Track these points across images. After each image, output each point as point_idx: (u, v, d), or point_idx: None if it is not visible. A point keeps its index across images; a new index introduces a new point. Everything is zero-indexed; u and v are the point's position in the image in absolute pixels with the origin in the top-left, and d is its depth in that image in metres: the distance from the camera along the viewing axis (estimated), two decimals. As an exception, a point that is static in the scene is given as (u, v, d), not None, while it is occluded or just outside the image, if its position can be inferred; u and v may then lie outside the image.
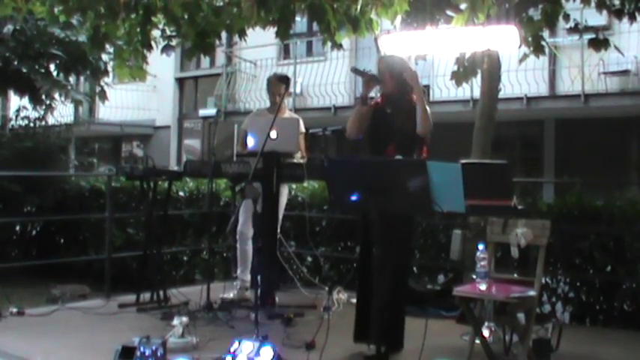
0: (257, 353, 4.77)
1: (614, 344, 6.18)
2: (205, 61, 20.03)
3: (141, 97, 20.58)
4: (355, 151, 5.62)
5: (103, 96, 13.46)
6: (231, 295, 7.22)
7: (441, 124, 13.92)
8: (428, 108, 5.39)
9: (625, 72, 13.70)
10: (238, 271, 7.44)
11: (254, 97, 17.08)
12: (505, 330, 5.33)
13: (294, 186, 8.39)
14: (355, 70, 5.67)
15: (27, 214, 11.40)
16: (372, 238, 5.11)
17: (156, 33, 7.88)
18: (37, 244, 11.57)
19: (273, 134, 6.09)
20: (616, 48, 8.71)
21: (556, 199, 7.57)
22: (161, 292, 7.11)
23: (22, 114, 12.97)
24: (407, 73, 5.44)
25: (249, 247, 7.25)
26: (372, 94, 5.62)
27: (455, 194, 4.12)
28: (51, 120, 13.72)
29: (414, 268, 7.96)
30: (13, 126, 13.11)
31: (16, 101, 14.75)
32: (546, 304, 7.10)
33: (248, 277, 7.32)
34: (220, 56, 18.99)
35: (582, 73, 13.65)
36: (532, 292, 5.04)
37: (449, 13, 7.46)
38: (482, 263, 4.97)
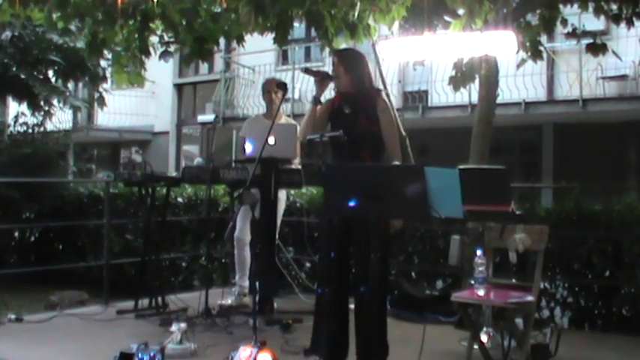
0: (255, 359, 4.77)
1: (613, 349, 6.18)
2: (203, 67, 20.06)
3: (139, 103, 20.59)
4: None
5: (102, 102, 13.46)
6: (229, 301, 7.21)
7: (438, 129, 14.01)
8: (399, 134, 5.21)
9: (623, 77, 13.74)
10: (236, 277, 7.44)
11: (252, 102, 17.09)
12: (503, 335, 5.32)
13: (292, 192, 8.38)
14: (306, 70, 5.40)
15: (25, 220, 11.38)
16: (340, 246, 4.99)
17: (154, 39, 7.88)
18: (35, 251, 11.54)
19: (271, 140, 6.07)
20: (614, 53, 8.72)
21: (554, 204, 7.57)
22: (159, 299, 7.11)
23: (21, 120, 12.97)
24: (380, 101, 5.16)
25: (246, 252, 7.25)
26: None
27: (453, 200, 4.10)
28: (49, 126, 13.70)
29: (413, 274, 7.97)
30: (11, 132, 13.09)
31: (14, 107, 14.72)
32: (545, 310, 7.10)
33: (246, 283, 7.31)
34: (219, 62, 19.03)
35: (580, 78, 13.68)
36: (530, 298, 5.04)
37: (446, 18, 7.47)
38: (481, 269, 4.96)
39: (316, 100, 5.24)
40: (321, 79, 5.27)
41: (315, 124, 5.22)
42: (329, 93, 5.38)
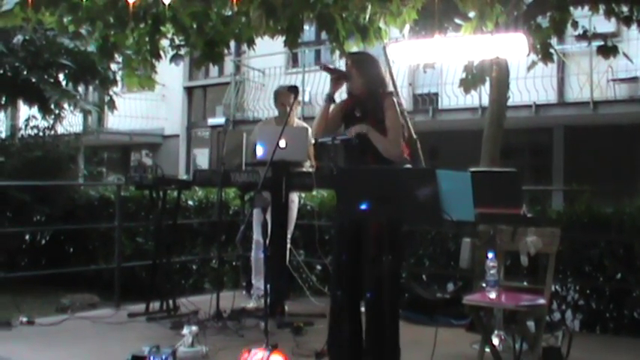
0: (266, 362, 4.77)
1: (625, 352, 6.16)
2: (214, 70, 20.07)
3: (150, 106, 20.62)
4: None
5: (112, 105, 13.49)
6: (250, 304, 7.22)
7: (449, 132, 13.98)
8: (400, 133, 5.05)
9: (634, 79, 13.70)
10: (254, 280, 7.43)
11: (262, 105, 17.09)
12: (515, 338, 5.30)
13: (302, 195, 8.37)
14: (324, 67, 5.37)
15: (36, 223, 11.43)
16: (352, 251, 4.92)
17: (164, 42, 7.90)
18: (46, 254, 11.58)
19: (282, 143, 6.06)
20: (625, 55, 8.71)
21: (565, 206, 7.54)
22: (170, 302, 7.11)
23: (32, 123, 13.02)
24: (387, 100, 5.09)
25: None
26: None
27: (464, 203, 4.11)
28: (60, 129, 13.75)
29: (423, 276, 7.96)
30: (22, 135, 13.15)
31: (25, 111, 14.78)
32: (556, 312, 7.08)
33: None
34: (229, 65, 19.04)
35: (591, 80, 13.64)
36: (542, 301, 5.03)
37: (457, 21, 7.46)
38: (492, 271, 4.95)
39: (329, 98, 5.21)
40: (338, 77, 5.23)
41: (328, 125, 5.19)
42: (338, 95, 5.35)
